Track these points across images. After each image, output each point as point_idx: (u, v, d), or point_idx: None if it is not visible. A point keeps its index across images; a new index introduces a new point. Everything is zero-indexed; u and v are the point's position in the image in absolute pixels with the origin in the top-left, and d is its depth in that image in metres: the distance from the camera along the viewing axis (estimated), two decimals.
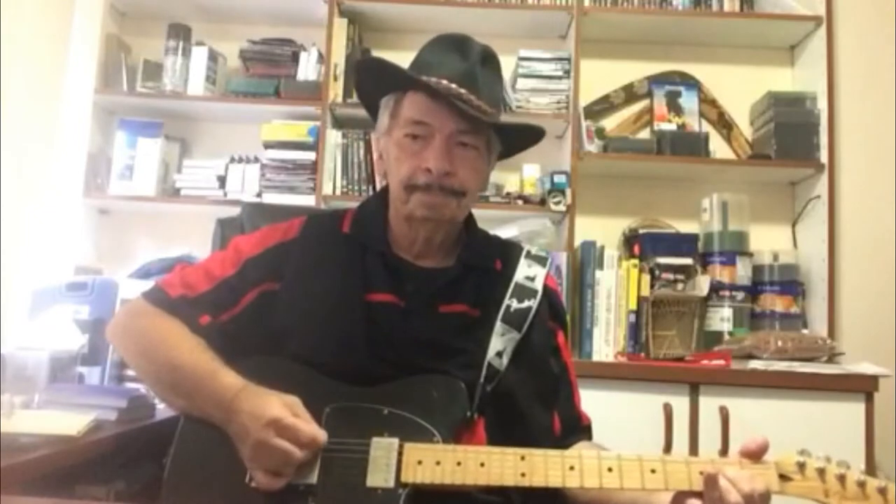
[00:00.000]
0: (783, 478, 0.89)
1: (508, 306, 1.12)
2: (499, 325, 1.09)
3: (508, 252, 1.21)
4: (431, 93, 1.07)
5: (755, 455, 0.91)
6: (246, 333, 1.12)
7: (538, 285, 1.16)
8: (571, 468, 0.92)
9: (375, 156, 1.21)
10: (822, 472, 0.89)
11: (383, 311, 1.09)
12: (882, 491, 0.87)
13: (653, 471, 0.91)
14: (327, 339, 1.07)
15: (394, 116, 1.12)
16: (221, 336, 1.11)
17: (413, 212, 1.10)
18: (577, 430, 1.16)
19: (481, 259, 1.16)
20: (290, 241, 1.17)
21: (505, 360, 1.08)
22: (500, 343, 1.08)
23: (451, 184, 1.09)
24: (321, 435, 0.94)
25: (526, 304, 1.13)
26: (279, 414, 0.93)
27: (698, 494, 0.89)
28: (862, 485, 0.87)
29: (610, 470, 0.92)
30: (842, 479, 0.88)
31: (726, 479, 0.86)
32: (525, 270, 1.17)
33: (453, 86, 1.06)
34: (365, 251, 1.14)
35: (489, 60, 1.13)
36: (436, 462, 0.93)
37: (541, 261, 1.20)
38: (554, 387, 1.15)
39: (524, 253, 1.21)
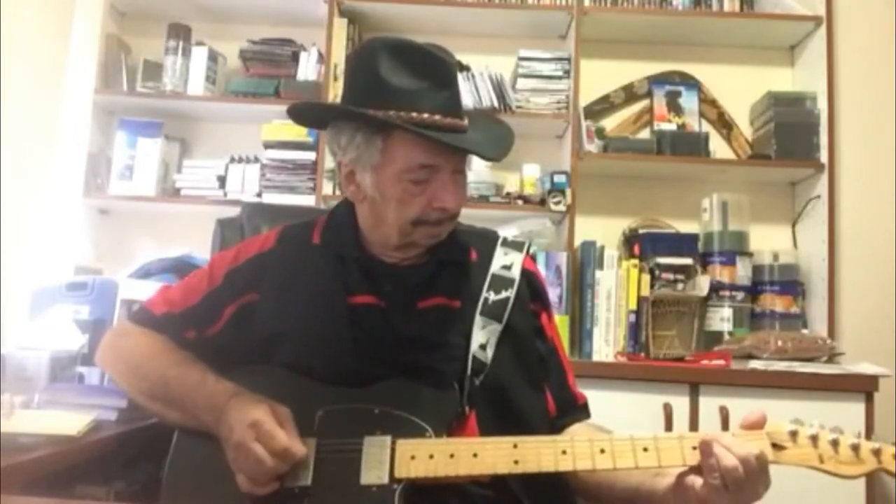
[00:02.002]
0: (776, 447, 0.90)
1: (486, 299, 1.12)
2: (478, 319, 1.09)
3: (483, 241, 1.20)
4: (433, 137, 1.03)
5: (754, 428, 0.92)
6: (231, 346, 1.12)
7: (515, 273, 1.15)
8: (564, 452, 0.93)
9: (342, 176, 1.12)
10: (814, 438, 0.89)
11: (365, 312, 1.09)
12: (876, 452, 0.88)
13: (645, 449, 0.92)
14: (315, 344, 1.08)
15: (386, 155, 1.05)
16: (208, 349, 1.12)
17: (417, 242, 1.11)
18: (572, 409, 1.16)
19: (454, 253, 1.15)
20: (267, 252, 1.18)
21: (489, 352, 1.08)
22: (482, 336, 1.08)
23: (457, 213, 1.10)
24: (298, 449, 0.94)
25: (504, 294, 1.12)
26: (262, 418, 0.94)
27: (696, 471, 0.90)
28: (856, 448, 0.88)
29: (602, 451, 0.92)
30: (835, 444, 0.88)
31: (721, 445, 0.87)
32: (501, 259, 1.17)
33: (448, 120, 1.04)
34: (341, 257, 1.14)
35: (455, 70, 1.10)
36: (429, 456, 0.94)
37: (518, 247, 1.20)
38: (543, 368, 1.15)
39: (500, 241, 1.20)
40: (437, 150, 1.04)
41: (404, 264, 1.14)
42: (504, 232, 2.35)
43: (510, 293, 1.13)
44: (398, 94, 1.03)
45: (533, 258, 1.23)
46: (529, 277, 1.18)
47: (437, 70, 1.06)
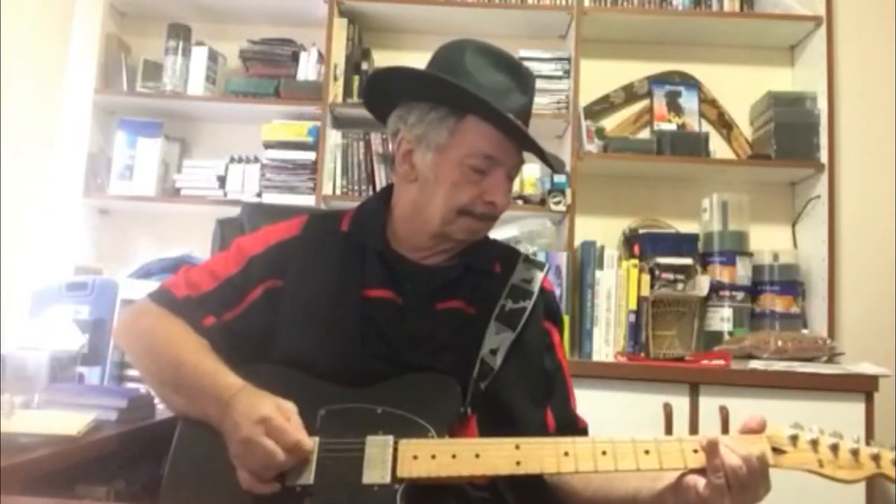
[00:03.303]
0: (776, 451, 0.90)
1: (503, 306, 1.12)
2: (493, 324, 1.10)
3: (507, 256, 1.22)
4: (508, 129, 1.05)
5: (755, 432, 0.92)
6: (251, 331, 1.12)
7: (535, 288, 1.16)
8: (566, 454, 0.93)
9: (399, 153, 1.13)
10: (814, 443, 0.89)
11: (380, 306, 1.10)
12: (875, 458, 0.88)
13: (646, 452, 0.92)
14: (324, 335, 1.08)
15: (455, 136, 1.07)
16: (226, 335, 1.11)
17: (454, 234, 1.12)
18: (572, 430, 1.15)
19: (481, 260, 1.16)
20: (291, 239, 1.18)
21: (499, 358, 1.08)
22: (494, 341, 1.09)
23: (501, 212, 1.11)
24: (307, 442, 0.94)
25: (521, 304, 1.13)
26: (271, 414, 0.93)
27: (696, 472, 0.90)
28: (855, 453, 0.88)
29: (604, 453, 0.92)
30: (835, 448, 0.89)
31: (724, 444, 0.88)
32: (522, 273, 1.18)
33: (519, 123, 1.07)
34: (364, 249, 1.14)
35: (534, 83, 1.14)
36: (431, 456, 0.94)
37: (539, 266, 1.22)
38: (547, 385, 1.15)
39: (522, 258, 1.22)
40: (504, 144, 1.07)
41: (428, 263, 1.15)
42: (504, 232, 2.37)
43: (528, 304, 1.14)
44: (480, 87, 1.06)
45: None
46: (547, 297, 1.20)
47: (520, 75, 1.10)
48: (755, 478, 0.87)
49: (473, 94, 1.04)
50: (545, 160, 1.12)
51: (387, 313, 1.09)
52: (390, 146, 1.18)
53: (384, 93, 1.17)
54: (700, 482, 0.89)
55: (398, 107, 1.14)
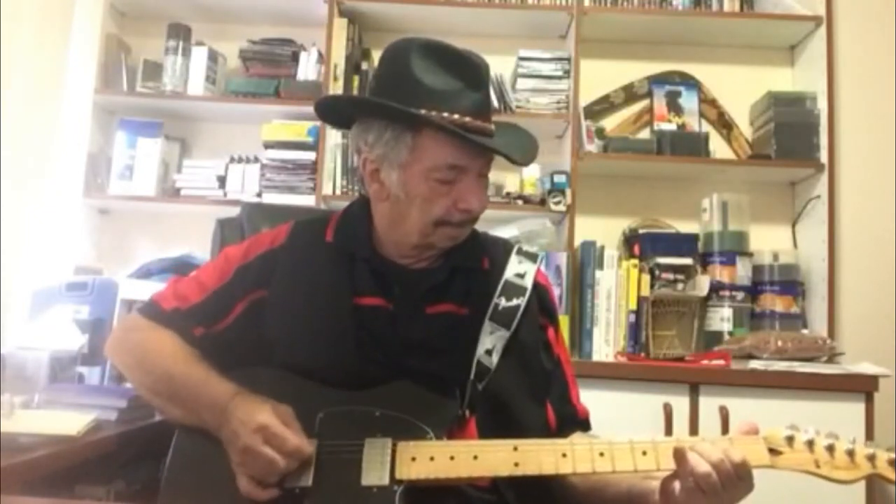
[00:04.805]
0: (773, 452, 0.90)
1: (497, 305, 1.11)
2: (487, 324, 1.09)
3: (497, 250, 1.20)
4: (463, 138, 1.02)
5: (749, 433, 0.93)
6: (240, 341, 1.12)
7: (528, 282, 1.15)
8: (564, 455, 0.93)
9: (366, 174, 1.11)
10: (811, 443, 0.90)
11: (372, 314, 1.09)
12: (871, 458, 0.88)
13: (644, 453, 0.92)
14: (318, 344, 1.08)
15: (415, 153, 1.05)
16: (216, 345, 1.12)
17: (436, 243, 1.10)
18: (573, 423, 1.15)
19: (468, 259, 1.15)
20: (277, 248, 1.17)
21: (495, 358, 1.08)
22: (489, 341, 1.08)
23: (479, 214, 1.10)
24: (307, 447, 0.95)
25: (514, 302, 1.12)
26: (269, 421, 0.94)
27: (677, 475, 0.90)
28: (851, 453, 0.89)
29: (602, 455, 0.93)
30: (831, 449, 0.89)
31: (695, 451, 0.88)
32: (515, 268, 1.17)
33: (478, 122, 1.04)
34: (352, 256, 1.14)
35: (487, 74, 1.10)
36: (430, 458, 0.94)
37: (532, 257, 1.20)
38: (546, 383, 1.15)
39: (515, 250, 1.21)
40: (465, 150, 1.04)
41: (415, 267, 1.14)
42: (504, 232, 2.37)
43: (521, 301, 1.13)
44: (430, 93, 1.03)
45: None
46: (541, 292, 1.18)
47: (469, 71, 1.06)
48: (729, 481, 0.87)
49: (421, 115, 1.01)
50: (509, 159, 1.07)
51: (379, 320, 1.09)
52: (356, 161, 1.16)
53: (336, 114, 1.17)
54: (678, 486, 0.90)
55: (356, 122, 1.11)
